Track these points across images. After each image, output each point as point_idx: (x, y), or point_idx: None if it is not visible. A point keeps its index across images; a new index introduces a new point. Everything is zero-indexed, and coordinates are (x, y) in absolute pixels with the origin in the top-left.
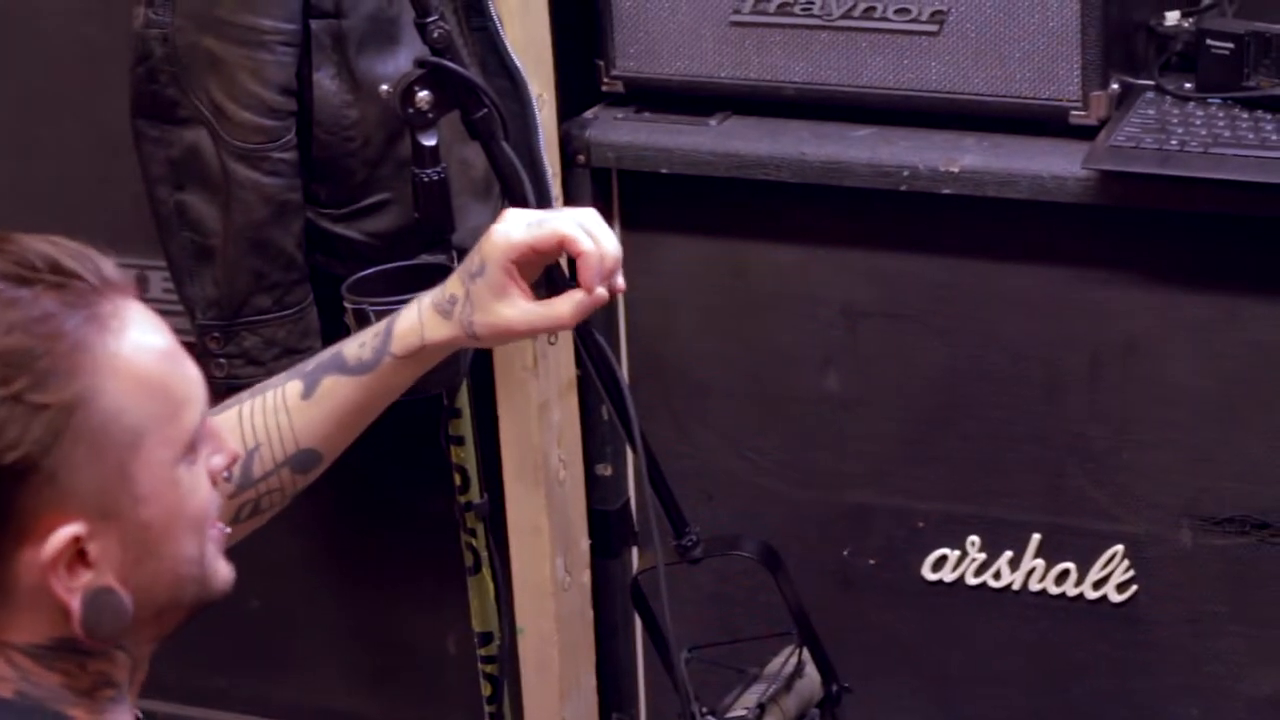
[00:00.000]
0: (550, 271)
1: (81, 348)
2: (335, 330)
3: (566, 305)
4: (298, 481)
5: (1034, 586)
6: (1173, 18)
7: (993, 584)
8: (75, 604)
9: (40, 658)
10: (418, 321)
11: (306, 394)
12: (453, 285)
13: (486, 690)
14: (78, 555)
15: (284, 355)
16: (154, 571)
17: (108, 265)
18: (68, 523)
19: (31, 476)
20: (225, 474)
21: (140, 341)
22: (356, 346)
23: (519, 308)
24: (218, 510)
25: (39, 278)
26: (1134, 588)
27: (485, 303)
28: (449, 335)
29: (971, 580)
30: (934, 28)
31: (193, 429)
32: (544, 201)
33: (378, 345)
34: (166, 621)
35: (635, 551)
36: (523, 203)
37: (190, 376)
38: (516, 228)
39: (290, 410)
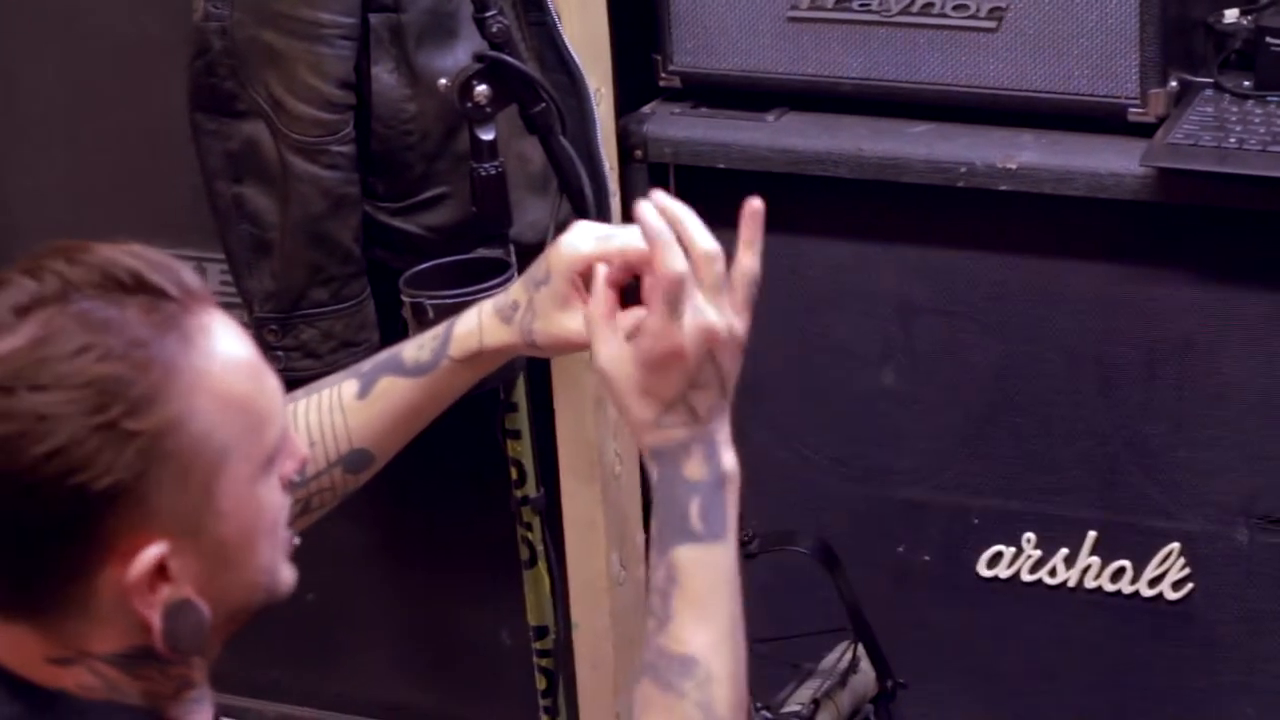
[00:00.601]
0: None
1: (172, 371)
2: (392, 324)
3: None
4: (349, 482)
5: (1089, 584)
6: (1231, 15)
7: (1048, 581)
8: (156, 618)
9: (123, 666)
10: (477, 326)
11: (362, 394)
12: (516, 291)
13: (541, 684)
14: (158, 570)
15: (341, 348)
16: (230, 581)
17: (187, 274)
18: (152, 542)
19: (120, 500)
20: (295, 477)
21: (227, 359)
22: (415, 348)
23: (580, 320)
24: (287, 516)
25: (127, 295)
26: (1189, 586)
27: (547, 312)
28: (508, 341)
29: (1026, 577)
30: (992, 24)
31: (274, 444)
32: (601, 196)
33: (436, 347)
34: (235, 624)
35: None
36: (580, 197)
37: (272, 390)
38: (584, 240)
39: (345, 410)
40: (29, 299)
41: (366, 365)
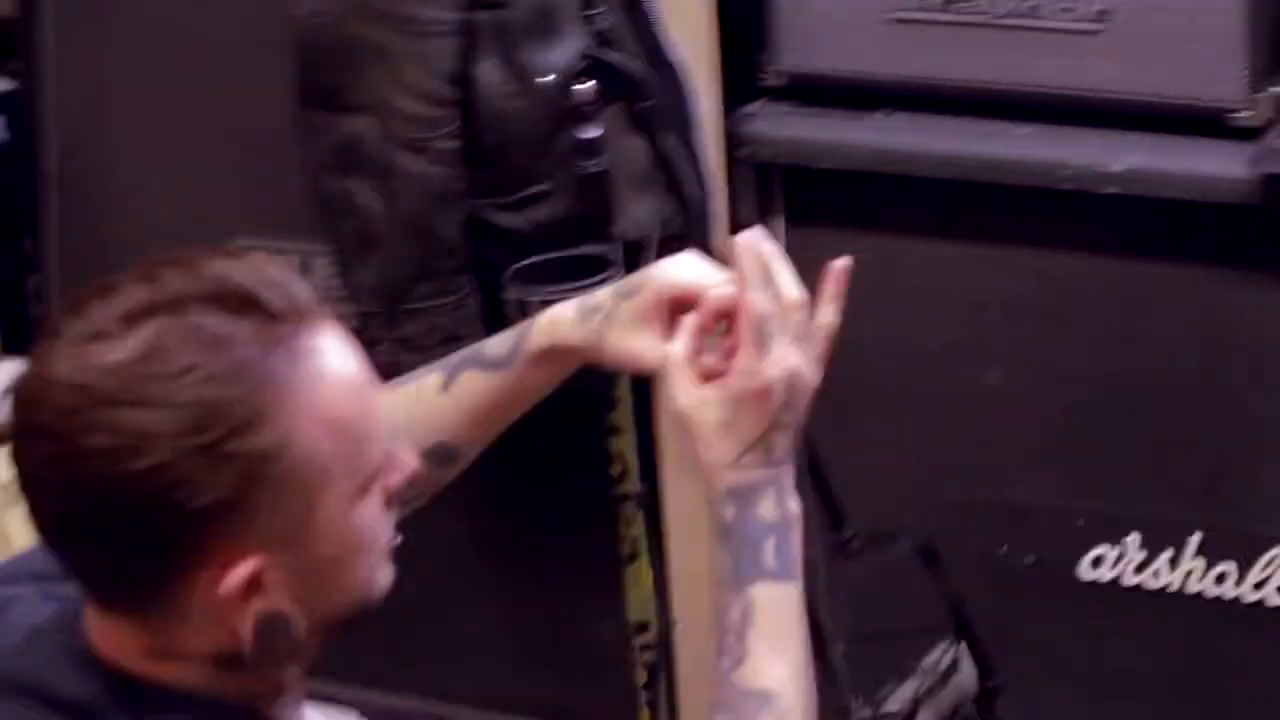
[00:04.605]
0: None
1: (278, 395)
2: (497, 319)
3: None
4: (436, 475)
5: (1193, 587)
6: None
7: (1151, 584)
8: (247, 629)
9: (218, 665)
10: (554, 322)
11: (445, 387)
12: (602, 295)
13: (642, 678)
14: (252, 583)
15: (445, 342)
16: (325, 594)
17: (301, 288)
18: (248, 556)
19: (217, 516)
20: (403, 491)
21: (334, 381)
22: (497, 343)
23: (651, 343)
24: (390, 527)
25: (239, 312)
26: None
27: (624, 324)
28: (579, 342)
29: (1130, 580)
30: (1098, 26)
31: (376, 465)
32: (705, 194)
33: (514, 342)
34: (331, 631)
35: None
36: (684, 195)
37: (377, 413)
38: (687, 269)
39: (428, 402)
40: (139, 308)
41: (453, 358)
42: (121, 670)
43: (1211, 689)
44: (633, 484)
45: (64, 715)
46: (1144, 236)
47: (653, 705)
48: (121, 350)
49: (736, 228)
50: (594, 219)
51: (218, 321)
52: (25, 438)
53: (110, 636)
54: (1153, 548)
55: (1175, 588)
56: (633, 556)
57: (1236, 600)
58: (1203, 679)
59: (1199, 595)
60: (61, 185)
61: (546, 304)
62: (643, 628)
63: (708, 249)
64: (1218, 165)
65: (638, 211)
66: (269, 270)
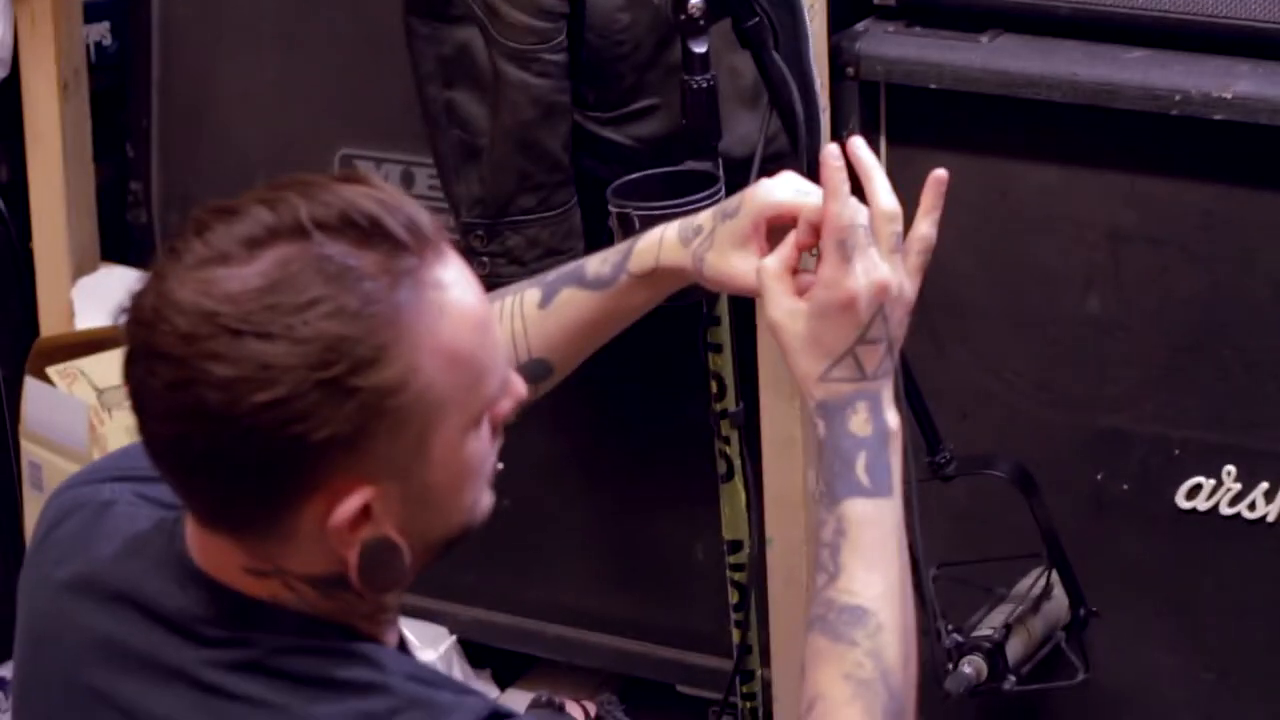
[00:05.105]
0: None
1: (402, 329)
2: (599, 233)
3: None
4: (529, 391)
5: None
6: None
7: (1246, 515)
8: (353, 556)
9: (319, 587)
10: (657, 242)
11: (544, 303)
12: (704, 217)
13: (733, 598)
14: (362, 512)
15: (547, 256)
16: (432, 521)
17: (422, 216)
18: (360, 486)
19: (335, 449)
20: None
21: (456, 314)
22: (599, 261)
23: (750, 263)
24: (494, 454)
25: (364, 242)
26: None
27: (723, 245)
28: (680, 264)
29: (1226, 510)
30: None
31: (490, 398)
32: (811, 112)
33: (617, 261)
34: (433, 557)
35: None
36: (790, 113)
37: (496, 344)
38: (784, 188)
39: (526, 318)
40: (264, 232)
41: (552, 275)
42: (222, 584)
43: None
44: (730, 402)
45: (163, 626)
46: (1253, 164)
47: (743, 625)
48: (245, 277)
49: (842, 147)
50: (699, 135)
51: (343, 251)
52: (142, 360)
53: (210, 550)
54: (1249, 479)
55: (1271, 519)
56: (728, 475)
57: None
58: None
59: None
60: (164, 92)
61: (649, 219)
62: (736, 547)
63: (813, 167)
64: None
65: (743, 128)
66: (392, 197)
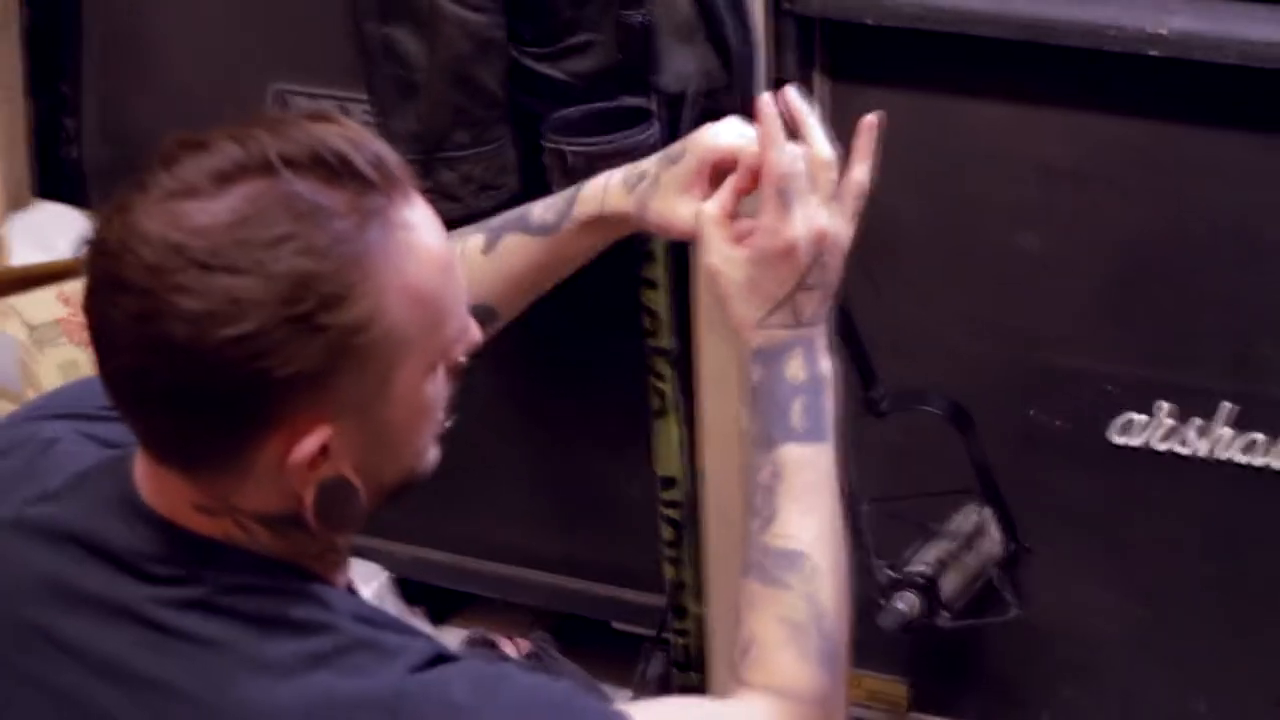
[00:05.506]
0: None
1: (369, 268)
2: (534, 169)
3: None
4: None
5: (1221, 455)
6: None
7: (1180, 451)
8: (309, 494)
9: (270, 526)
10: (602, 189)
11: (487, 249)
12: (648, 163)
13: (668, 535)
14: (320, 450)
15: (480, 191)
16: (385, 462)
17: (390, 156)
18: (320, 424)
19: (298, 387)
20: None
21: (423, 255)
22: (543, 207)
23: (693, 208)
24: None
25: (333, 181)
26: None
27: (667, 191)
28: (625, 209)
29: (1158, 446)
30: None
31: (451, 340)
32: (748, 47)
33: (561, 208)
34: (379, 503)
35: None
36: (726, 48)
37: (459, 286)
38: (728, 133)
39: (470, 263)
40: (232, 167)
41: (496, 220)
42: (171, 522)
43: (1237, 556)
44: (665, 339)
45: (109, 564)
46: (1188, 102)
47: (677, 561)
48: (214, 211)
49: (779, 82)
50: (635, 70)
51: (312, 189)
52: (106, 291)
53: (161, 488)
54: (1182, 415)
55: (1204, 455)
56: (662, 412)
57: (1265, 469)
58: (1229, 546)
59: (1228, 463)
60: (97, 28)
61: (584, 154)
62: (669, 483)
63: (750, 103)
64: (1266, 31)
65: (679, 64)
66: (361, 136)
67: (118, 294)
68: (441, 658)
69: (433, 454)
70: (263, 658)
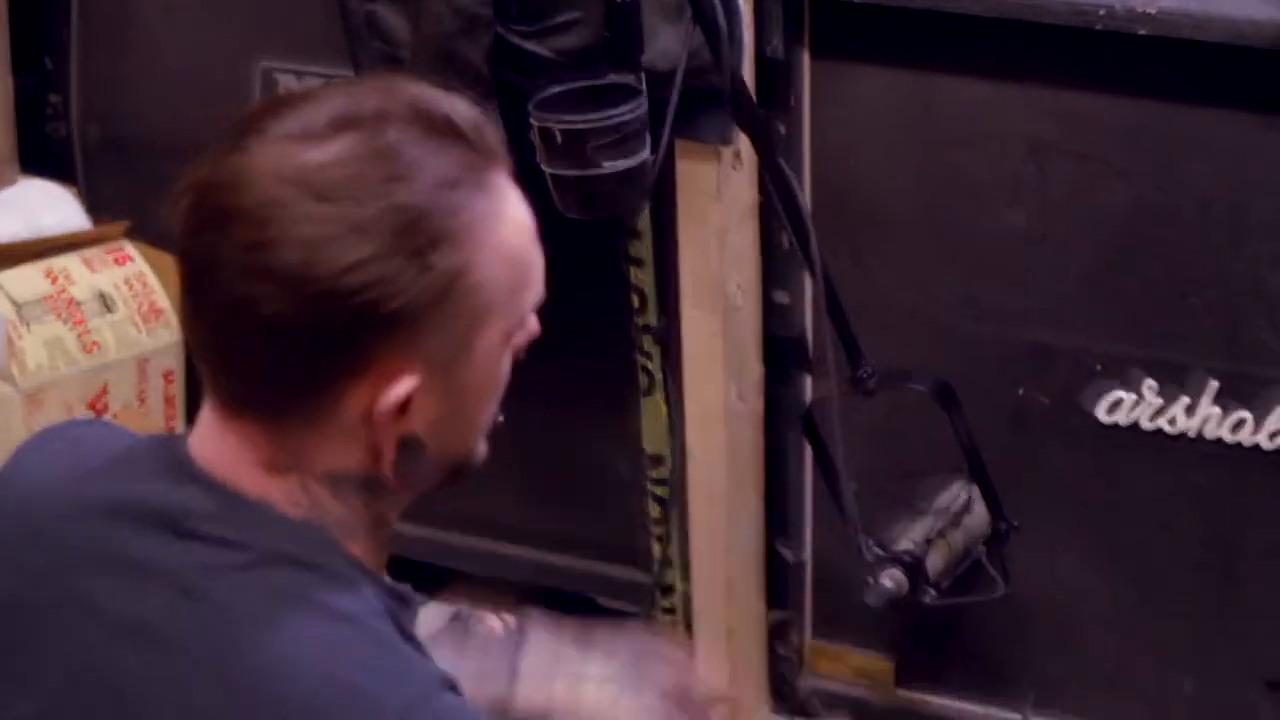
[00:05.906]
0: None
1: (468, 222)
2: (520, 147)
3: None
4: None
5: (1209, 434)
6: None
7: (1167, 429)
8: (390, 448)
9: (334, 487)
10: None
11: None
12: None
13: (654, 512)
14: (404, 402)
15: None
16: (456, 431)
17: (490, 127)
18: (409, 373)
19: (396, 327)
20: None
21: (516, 219)
22: None
23: None
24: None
25: (438, 137)
26: None
27: None
28: None
29: (1146, 424)
30: None
31: (528, 309)
32: (734, 25)
33: None
34: (441, 480)
35: (809, 380)
36: (713, 25)
37: (540, 259)
38: None
39: None
40: (344, 116)
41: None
42: (223, 483)
43: (1225, 535)
44: (651, 316)
45: (151, 524)
46: (1177, 80)
47: (664, 539)
48: (331, 150)
49: (763, 59)
50: (622, 48)
51: (418, 142)
52: (216, 225)
53: (224, 446)
54: (1169, 394)
55: (1192, 434)
56: (648, 389)
57: (1254, 448)
58: (1216, 525)
59: (1215, 441)
60: (84, 4)
61: (571, 132)
62: (656, 461)
63: (734, 81)
64: (1253, 9)
65: (665, 42)
66: (463, 103)
67: (230, 225)
68: (453, 689)
69: (483, 449)
70: (275, 634)
